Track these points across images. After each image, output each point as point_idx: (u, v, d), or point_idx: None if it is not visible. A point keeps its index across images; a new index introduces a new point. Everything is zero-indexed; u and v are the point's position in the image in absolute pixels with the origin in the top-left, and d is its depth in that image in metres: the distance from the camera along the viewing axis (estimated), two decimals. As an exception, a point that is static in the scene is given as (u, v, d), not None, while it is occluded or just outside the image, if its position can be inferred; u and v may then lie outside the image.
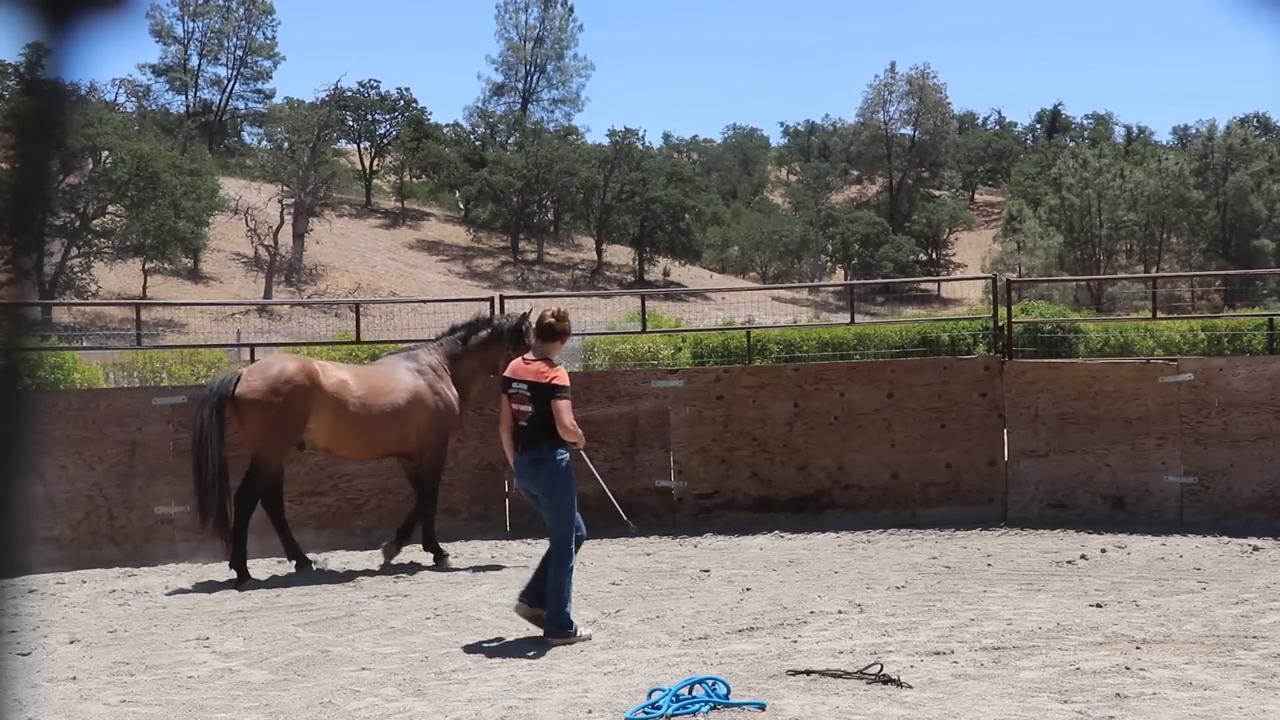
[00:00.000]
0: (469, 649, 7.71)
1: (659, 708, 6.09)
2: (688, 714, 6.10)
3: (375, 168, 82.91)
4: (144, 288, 57.53)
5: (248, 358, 16.50)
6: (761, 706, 6.16)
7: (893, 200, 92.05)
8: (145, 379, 20.60)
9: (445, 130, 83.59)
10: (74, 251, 55.42)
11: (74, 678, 7.20)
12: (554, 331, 7.97)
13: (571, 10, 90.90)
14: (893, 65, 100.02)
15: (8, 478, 1.39)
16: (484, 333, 10.91)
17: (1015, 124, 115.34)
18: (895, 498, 12.36)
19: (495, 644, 7.85)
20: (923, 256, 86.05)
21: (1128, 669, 6.71)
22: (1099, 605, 8.45)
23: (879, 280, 69.33)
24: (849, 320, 20.26)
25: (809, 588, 9.40)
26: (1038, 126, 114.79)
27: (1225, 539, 10.93)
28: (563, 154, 74.29)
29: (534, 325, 8.04)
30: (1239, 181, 75.89)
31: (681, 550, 11.32)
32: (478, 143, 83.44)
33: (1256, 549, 10.48)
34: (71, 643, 8.18)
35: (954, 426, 12.36)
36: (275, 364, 10.51)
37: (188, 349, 24.11)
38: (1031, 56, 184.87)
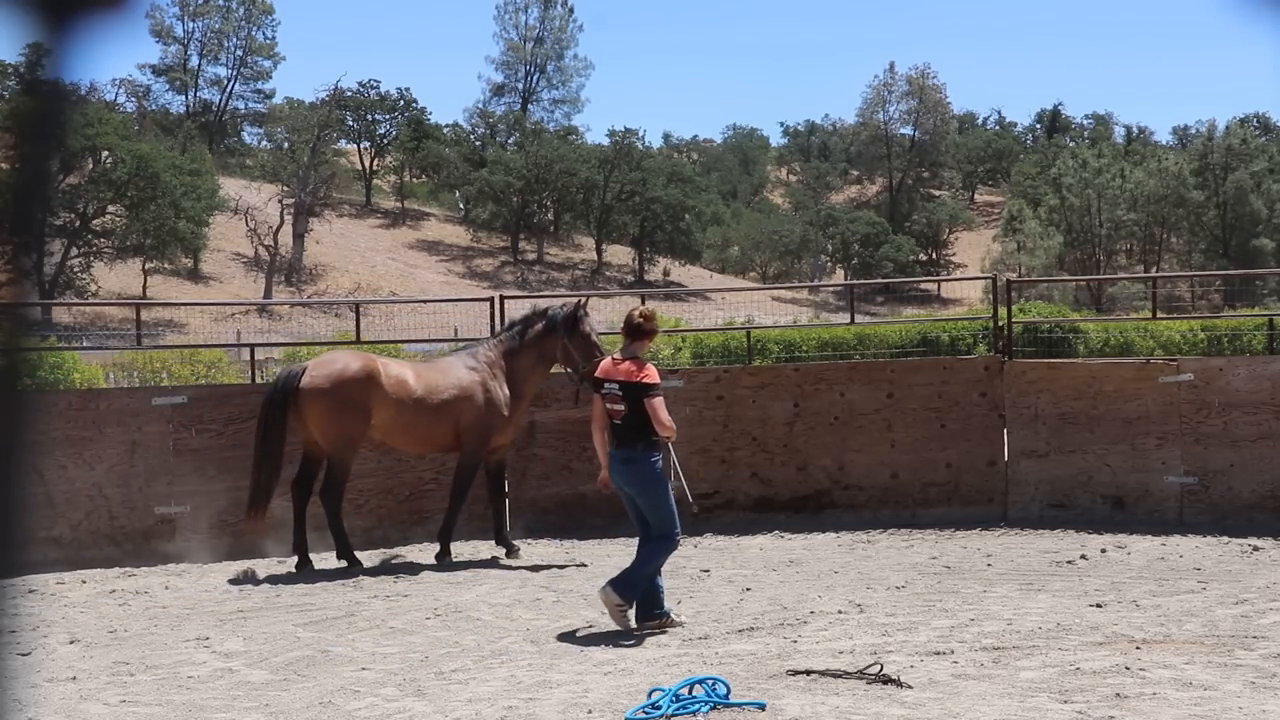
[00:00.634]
0: (469, 649, 7.71)
1: (659, 708, 6.09)
2: (688, 714, 6.10)
3: (375, 168, 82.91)
4: (144, 288, 57.52)
5: (248, 358, 16.52)
6: (761, 706, 6.15)
7: (893, 200, 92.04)
8: (145, 379, 20.59)
9: (445, 130, 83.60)
10: (74, 251, 55.41)
11: (74, 678, 7.20)
12: (642, 330, 8.18)
13: (571, 10, 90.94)
14: (892, 65, 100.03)
15: (8, 478, 1.39)
16: (539, 325, 11.02)
17: (1015, 124, 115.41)
18: (895, 498, 12.36)
19: (495, 644, 7.85)
20: (923, 256, 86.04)
21: (1128, 669, 6.71)
22: (1099, 605, 8.45)
23: (879, 280, 69.32)
24: (849, 320, 20.26)
25: (809, 588, 9.40)
26: (1038, 126, 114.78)
27: (1225, 539, 10.92)
28: (563, 154, 74.29)
29: (625, 323, 8.28)
30: (1239, 181, 75.87)
31: (681, 550, 11.29)
32: (478, 143, 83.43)
33: (1256, 549, 10.48)
34: (71, 643, 8.18)
35: (954, 426, 12.36)
36: (339, 360, 10.84)
37: (188, 349, 24.10)
38: (1031, 56, 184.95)
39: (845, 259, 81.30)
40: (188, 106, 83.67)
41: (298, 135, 68.75)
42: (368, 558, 11.08)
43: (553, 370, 11.27)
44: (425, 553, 11.22)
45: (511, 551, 10.99)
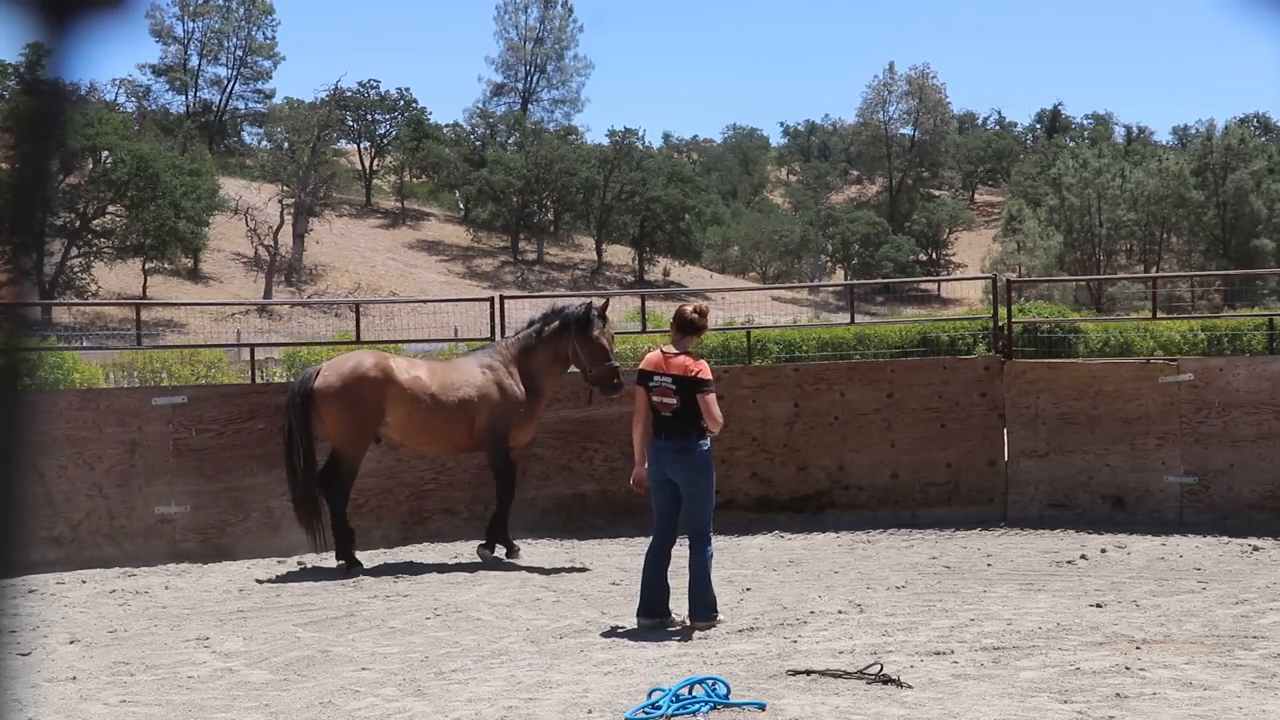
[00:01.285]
0: (469, 649, 7.71)
1: (659, 708, 6.09)
2: (688, 714, 6.10)
3: (375, 168, 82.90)
4: (144, 288, 57.53)
5: (248, 358, 16.51)
6: (761, 706, 6.15)
7: (893, 200, 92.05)
8: (145, 379, 20.59)
9: (445, 130, 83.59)
10: (74, 251, 55.41)
11: (74, 678, 7.19)
12: (693, 326, 8.31)
13: (571, 10, 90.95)
14: (892, 65, 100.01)
15: (8, 478, 1.39)
16: (555, 323, 11.04)
17: (1015, 124, 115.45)
18: (895, 498, 12.36)
19: (495, 644, 7.85)
20: (923, 256, 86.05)
21: (1128, 669, 6.71)
22: (1099, 605, 8.45)
23: (879, 280, 69.32)
24: (849, 320, 20.25)
25: (809, 588, 9.40)
26: (1038, 126, 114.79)
27: (1225, 539, 10.92)
28: (563, 154, 74.29)
29: (675, 317, 8.39)
30: (1239, 181, 75.88)
31: (682, 550, 11.29)
32: (478, 143, 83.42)
33: (1256, 549, 10.48)
34: (71, 643, 8.17)
35: (954, 426, 12.36)
36: (351, 359, 10.96)
37: (188, 349, 24.10)
38: (1031, 56, 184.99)
39: (845, 259, 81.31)
40: (188, 106, 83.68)
41: (298, 135, 68.76)
42: (368, 558, 11.07)
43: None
44: (425, 553, 11.23)
45: (511, 551, 10.97)
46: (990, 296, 14.64)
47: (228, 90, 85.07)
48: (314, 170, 65.72)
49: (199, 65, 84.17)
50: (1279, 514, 11.33)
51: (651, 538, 8.33)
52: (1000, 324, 13.05)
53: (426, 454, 11.57)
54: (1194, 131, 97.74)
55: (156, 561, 11.04)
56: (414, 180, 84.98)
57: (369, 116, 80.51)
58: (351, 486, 10.84)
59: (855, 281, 56.32)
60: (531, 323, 11.26)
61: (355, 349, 12.47)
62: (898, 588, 9.31)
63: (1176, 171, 75.87)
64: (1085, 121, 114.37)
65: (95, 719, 6.43)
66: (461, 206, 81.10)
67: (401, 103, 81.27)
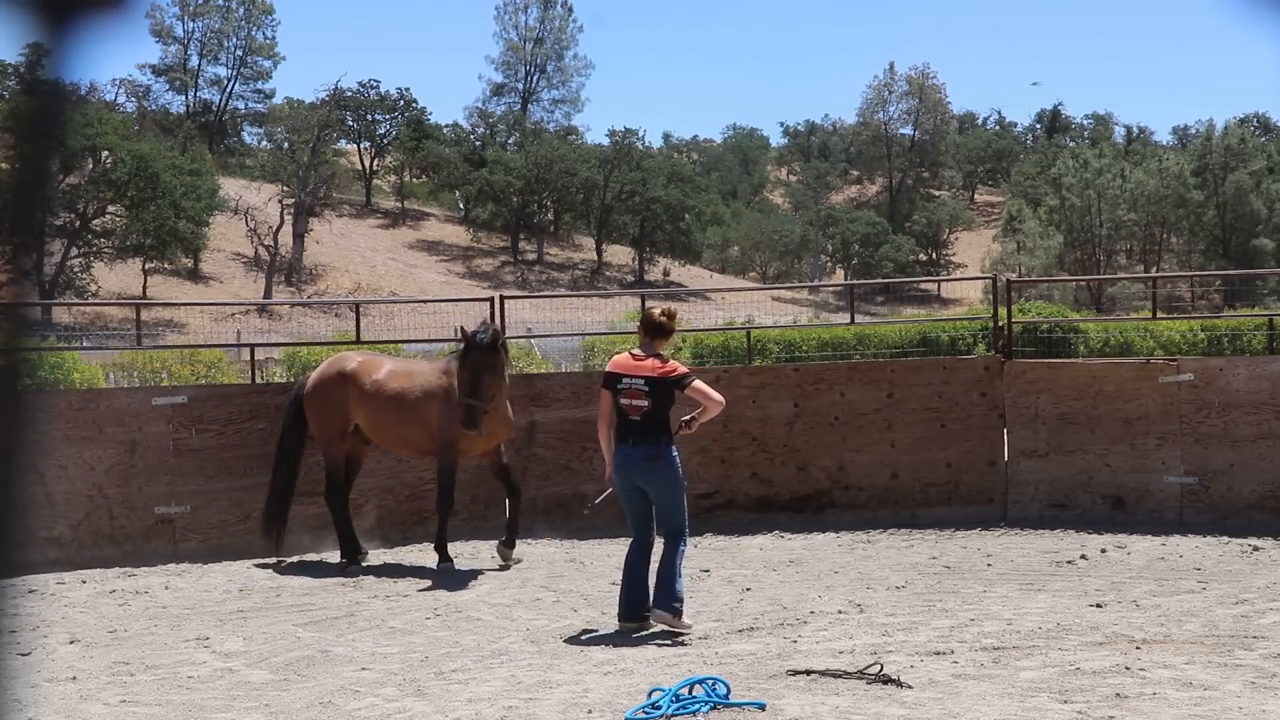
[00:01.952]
0: (469, 649, 7.71)
1: (659, 708, 6.09)
2: (688, 714, 6.10)
3: (375, 168, 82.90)
4: (144, 288, 57.52)
5: (248, 358, 16.51)
6: (761, 706, 6.15)
7: (893, 200, 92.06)
8: (145, 379, 20.58)
9: (445, 130, 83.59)
10: (74, 251, 55.41)
11: (74, 678, 7.20)
12: (662, 329, 8.20)
13: (571, 10, 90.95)
14: (892, 65, 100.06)
15: (8, 478, 1.39)
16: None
17: (1015, 124, 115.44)
18: (895, 498, 12.36)
19: (495, 644, 7.85)
20: (923, 256, 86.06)
21: (1128, 669, 6.71)
22: (1099, 605, 8.45)
23: (879, 280, 69.33)
24: (849, 320, 20.25)
25: (809, 588, 9.40)
26: (1038, 126, 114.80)
27: (1225, 539, 10.92)
28: (563, 154, 74.29)
29: (643, 321, 8.32)
30: (1238, 181, 75.90)
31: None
32: (478, 143, 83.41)
33: (1256, 549, 10.48)
34: (71, 643, 8.18)
35: (954, 426, 12.36)
36: (330, 360, 11.21)
37: (188, 349, 24.10)
38: (1031, 56, 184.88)
39: (845, 259, 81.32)
40: (188, 106, 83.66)
41: (298, 135, 68.76)
42: (369, 558, 11.07)
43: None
44: (425, 553, 11.22)
45: (505, 559, 10.72)
46: (990, 296, 14.64)
47: (228, 90, 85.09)
48: (314, 170, 65.72)
49: (199, 65, 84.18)
50: (1279, 514, 11.33)
51: (630, 541, 8.25)
52: (1000, 324, 13.05)
53: (403, 455, 11.49)
54: (1194, 131, 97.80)
55: (156, 561, 11.04)
56: (414, 180, 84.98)
57: (369, 116, 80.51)
58: (340, 483, 10.86)
59: (855, 281, 56.31)
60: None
61: (355, 349, 12.48)
62: (898, 588, 9.30)
63: (1176, 171, 75.89)
64: (1085, 121, 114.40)
65: (95, 719, 6.43)
66: (461, 206, 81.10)
67: (401, 103, 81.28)
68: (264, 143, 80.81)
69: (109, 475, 11.18)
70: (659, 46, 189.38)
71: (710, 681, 6.38)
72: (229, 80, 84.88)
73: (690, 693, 6.27)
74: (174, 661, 7.61)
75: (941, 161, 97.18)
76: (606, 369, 8.27)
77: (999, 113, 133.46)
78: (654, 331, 8.21)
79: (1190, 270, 70.12)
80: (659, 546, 8.15)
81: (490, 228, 76.90)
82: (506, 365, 10.64)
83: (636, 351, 8.18)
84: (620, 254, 77.77)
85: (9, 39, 1.34)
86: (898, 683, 6.46)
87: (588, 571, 10.37)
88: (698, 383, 8.10)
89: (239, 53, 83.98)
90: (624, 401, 7.99)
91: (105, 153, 55.38)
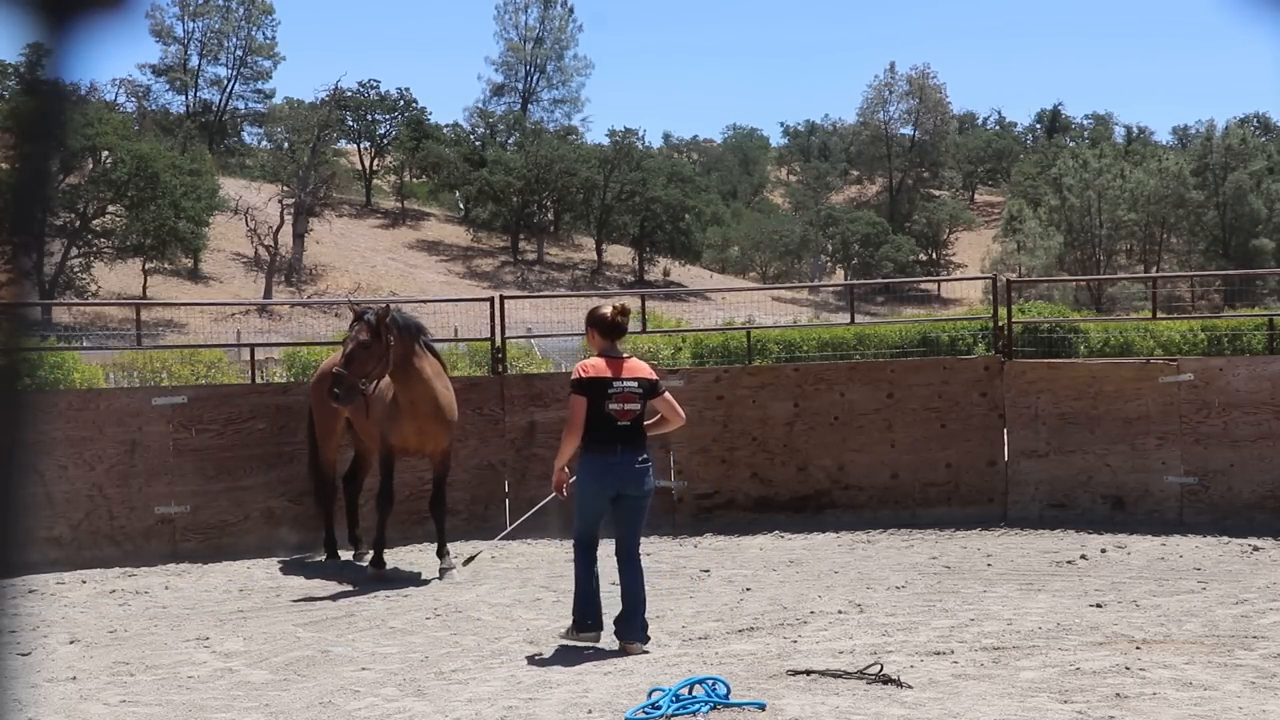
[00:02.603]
0: (469, 649, 7.71)
1: (659, 708, 6.09)
2: (688, 714, 6.09)
3: (375, 168, 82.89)
4: (144, 288, 57.52)
5: (248, 358, 16.50)
6: (761, 706, 6.15)
7: (893, 200, 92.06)
8: (145, 379, 20.57)
9: (445, 130, 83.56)
10: (74, 251, 55.40)
11: (74, 678, 7.20)
12: (622, 328, 7.81)
13: (571, 10, 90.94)
14: (893, 65, 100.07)
15: (8, 478, 1.39)
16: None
17: (1015, 124, 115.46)
18: (895, 498, 12.36)
19: (495, 644, 7.84)
20: (923, 256, 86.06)
21: (1128, 669, 6.71)
22: (1099, 605, 8.44)
23: (879, 280, 69.33)
24: (849, 320, 20.24)
25: (809, 588, 9.39)
26: (1038, 126, 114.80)
27: (1225, 539, 10.92)
28: (563, 154, 74.28)
29: (601, 323, 7.77)
30: (1238, 181, 75.90)
31: (681, 550, 11.32)
32: (478, 143, 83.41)
33: (1256, 549, 10.48)
34: (71, 643, 8.18)
35: (954, 426, 12.36)
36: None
37: (188, 349, 24.09)
38: (1031, 56, 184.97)
39: (845, 259, 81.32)
40: (188, 106, 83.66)
41: (298, 135, 68.76)
42: (366, 558, 11.07)
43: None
44: (425, 553, 11.22)
45: (445, 569, 10.38)
46: (990, 296, 14.64)
47: (228, 90, 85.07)
48: (314, 170, 65.71)
49: (199, 65, 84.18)
50: (1279, 514, 11.33)
51: (582, 551, 7.76)
52: (1000, 324, 13.05)
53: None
54: (1194, 131, 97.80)
55: (156, 561, 11.05)
56: (414, 180, 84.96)
57: (369, 116, 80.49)
58: (328, 479, 11.00)
59: (855, 281, 56.29)
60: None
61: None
62: (898, 588, 9.30)
63: (1176, 171, 75.89)
64: (1085, 121, 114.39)
65: (95, 719, 6.43)
66: (461, 206, 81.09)
67: (401, 103, 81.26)
68: (264, 143, 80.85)
69: (109, 475, 11.18)
70: (659, 46, 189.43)
71: (710, 681, 6.38)
72: (229, 80, 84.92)
73: (690, 693, 6.27)
74: (174, 661, 7.61)
75: (941, 161, 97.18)
76: (585, 375, 7.61)
77: (999, 113, 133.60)
78: (616, 332, 7.77)
79: (1190, 270, 70.11)
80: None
81: (490, 228, 76.89)
82: (422, 355, 10.19)
83: (609, 354, 7.76)
84: (620, 254, 77.76)
85: (9, 39, 1.34)
86: (898, 683, 6.46)
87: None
88: (669, 392, 7.93)
89: (239, 53, 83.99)
90: (614, 407, 7.56)
91: (105, 153, 55.37)
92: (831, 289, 70.74)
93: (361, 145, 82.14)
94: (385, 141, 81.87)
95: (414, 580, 10.23)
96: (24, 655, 7.77)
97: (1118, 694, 6.22)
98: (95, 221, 56.53)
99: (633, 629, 7.64)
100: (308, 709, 6.44)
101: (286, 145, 70.36)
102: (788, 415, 12.46)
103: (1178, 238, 79.42)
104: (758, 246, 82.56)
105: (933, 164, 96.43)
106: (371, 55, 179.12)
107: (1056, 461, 12.09)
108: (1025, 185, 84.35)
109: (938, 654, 7.15)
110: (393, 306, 10.35)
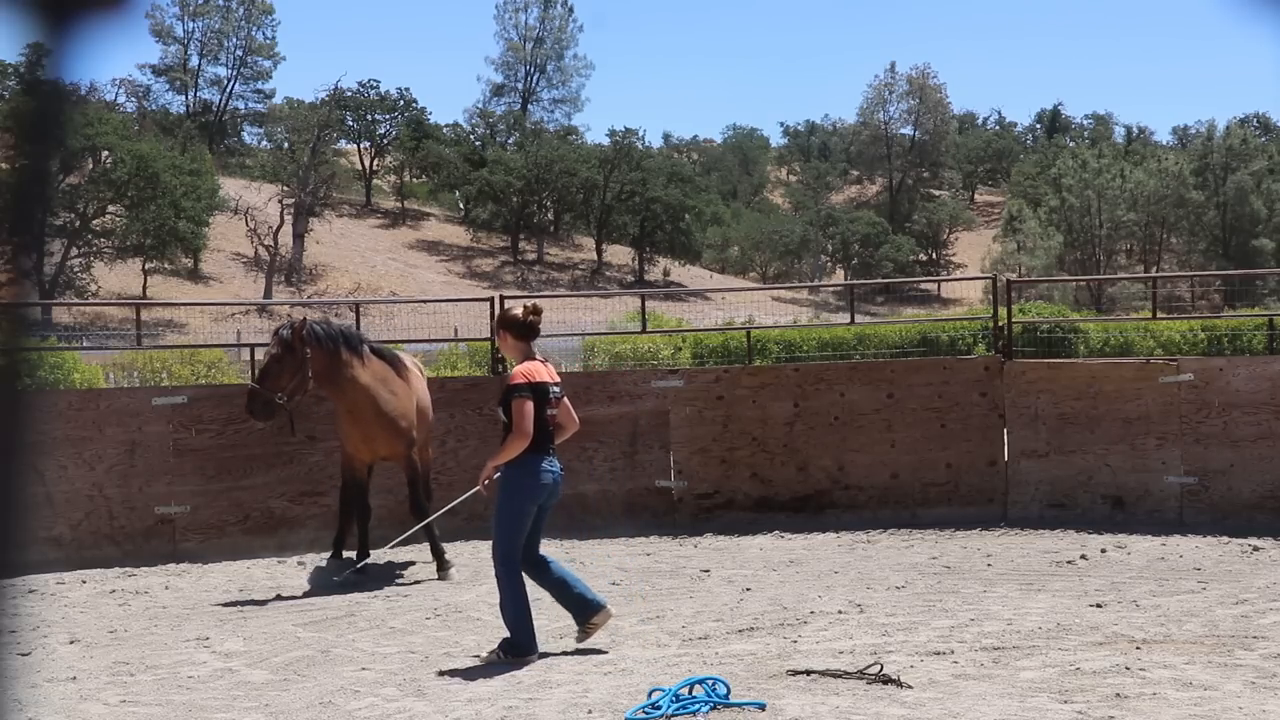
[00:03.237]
0: (469, 649, 7.71)
1: (659, 708, 6.09)
2: (688, 714, 6.09)
3: (375, 168, 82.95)
4: (144, 288, 57.55)
5: (248, 358, 16.50)
6: (761, 706, 6.15)
7: (893, 200, 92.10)
8: (145, 379, 20.58)
9: (445, 130, 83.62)
10: (74, 251, 55.44)
11: (74, 678, 7.19)
12: (536, 328, 7.58)
13: (571, 10, 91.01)
14: (893, 65, 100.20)
15: (8, 478, 1.39)
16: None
17: (1015, 124, 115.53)
18: (895, 498, 12.36)
19: (495, 644, 7.83)
20: (923, 256, 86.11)
21: (1128, 669, 6.71)
22: (1099, 605, 8.44)
23: (879, 280, 69.34)
24: (849, 320, 20.24)
25: (809, 588, 9.39)
26: (1038, 126, 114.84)
27: (1225, 539, 10.91)
28: (563, 154, 74.34)
29: (515, 325, 7.52)
30: (1239, 181, 75.96)
31: (681, 550, 11.32)
32: (478, 143, 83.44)
33: (1256, 549, 10.48)
34: (71, 643, 8.18)
35: (954, 426, 12.36)
36: None
37: (188, 349, 24.09)
38: (1031, 56, 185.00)
39: (845, 259, 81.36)
40: (188, 106, 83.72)
41: (298, 135, 68.83)
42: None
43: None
44: (425, 553, 11.21)
45: (345, 578, 10.20)
46: (990, 296, 14.63)
47: (228, 90, 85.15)
48: (314, 170, 65.76)
49: (199, 65, 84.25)
50: (1279, 514, 11.33)
51: (513, 569, 7.37)
52: (1000, 324, 13.05)
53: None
54: (1194, 131, 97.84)
55: (156, 561, 11.04)
56: (414, 180, 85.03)
57: (369, 116, 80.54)
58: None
59: (855, 281, 56.30)
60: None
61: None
62: (898, 588, 9.30)
63: (1176, 172, 75.94)
64: (1085, 121, 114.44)
65: (95, 719, 6.43)
66: (461, 206, 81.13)
67: (401, 103, 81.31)
68: (264, 143, 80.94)
69: (109, 475, 11.18)
70: (659, 46, 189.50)
71: (710, 681, 6.38)
72: (229, 80, 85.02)
73: (690, 693, 6.27)
74: (174, 661, 7.61)
75: (941, 161, 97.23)
76: (529, 379, 7.29)
77: (999, 113, 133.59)
78: (531, 333, 7.49)
79: (1190, 270, 70.13)
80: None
81: (490, 228, 76.93)
82: (361, 363, 10.04)
83: (537, 358, 7.52)
84: (620, 254, 77.78)
85: (9, 39, 1.34)
86: (898, 683, 6.45)
87: (587, 571, 10.34)
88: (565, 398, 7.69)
89: (239, 53, 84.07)
90: (550, 412, 7.35)
91: (105, 153, 55.42)
92: (831, 289, 70.77)
93: (361, 145, 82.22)
94: (385, 141, 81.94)
95: (414, 581, 10.23)
96: (24, 655, 7.77)
97: (1118, 694, 6.22)
98: (95, 221, 56.58)
99: (586, 603, 7.50)
100: (308, 709, 6.44)
101: (286, 145, 70.45)
102: (788, 415, 12.46)
103: (1178, 238, 79.48)
104: (758, 246, 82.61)
105: (933, 164, 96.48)
106: (371, 55, 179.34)
107: (1056, 461, 12.09)
108: (1025, 185, 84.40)
109: (938, 654, 7.15)
110: (314, 319, 10.22)
